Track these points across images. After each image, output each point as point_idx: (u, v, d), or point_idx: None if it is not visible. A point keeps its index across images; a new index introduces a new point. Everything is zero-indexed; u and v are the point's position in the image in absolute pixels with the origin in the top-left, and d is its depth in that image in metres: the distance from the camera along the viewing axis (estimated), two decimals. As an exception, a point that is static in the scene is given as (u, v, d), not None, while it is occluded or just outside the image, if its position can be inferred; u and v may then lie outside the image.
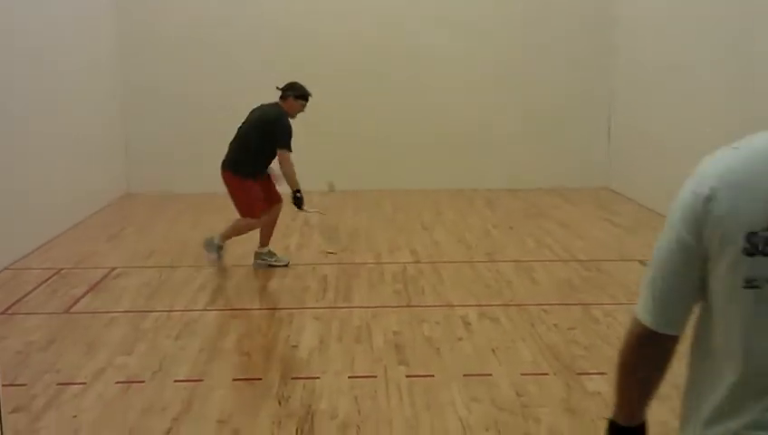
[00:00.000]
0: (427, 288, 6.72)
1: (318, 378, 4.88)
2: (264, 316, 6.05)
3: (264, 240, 7.37)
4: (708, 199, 1.58)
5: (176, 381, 4.87)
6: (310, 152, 10.96)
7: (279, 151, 7.07)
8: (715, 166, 1.61)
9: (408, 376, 4.90)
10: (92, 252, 7.97)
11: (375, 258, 7.72)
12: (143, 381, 4.87)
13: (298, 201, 7.13)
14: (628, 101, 10.73)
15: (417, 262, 7.52)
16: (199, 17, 10.85)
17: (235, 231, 7.31)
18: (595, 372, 4.93)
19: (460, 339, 5.55)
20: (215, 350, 5.36)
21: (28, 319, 6.01)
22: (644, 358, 1.80)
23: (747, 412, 1.60)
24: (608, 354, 5.19)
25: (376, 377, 4.89)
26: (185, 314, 6.05)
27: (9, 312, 6.14)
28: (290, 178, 7.08)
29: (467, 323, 5.81)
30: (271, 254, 7.38)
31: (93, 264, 7.53)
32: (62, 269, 7.29)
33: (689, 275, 1.67)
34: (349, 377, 4.90)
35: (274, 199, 7.36)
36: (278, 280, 6.97)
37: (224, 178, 7.32)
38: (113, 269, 7.30)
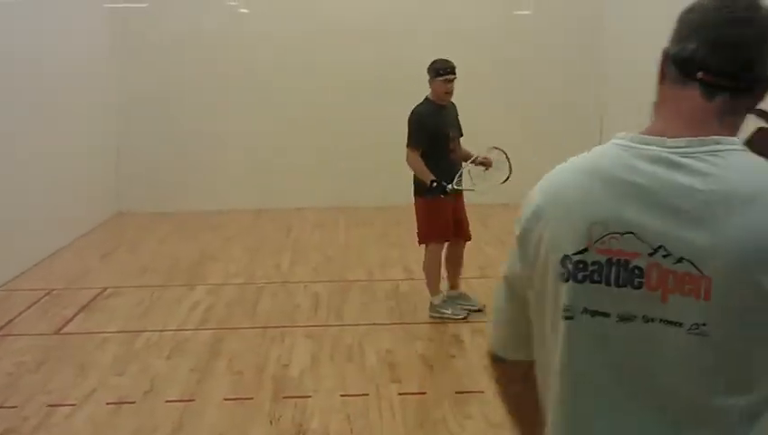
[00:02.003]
0: (420, 305, 6.69)
1: (310, 397, 4.86)
2: (256, 335, 6.02)
3: (451, 281, 6.53)
4: (528, 220, 1.50)
5: (167, 401, 4.85)
6: (303, 169, 11.01)
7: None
8: (541, 183, 1.52)
9: (400, 394, 4.88)
10: (84, 272, 7.95)
11: (367, 275, 7.71)
12: (134, 402, 4.85)
13: (437, 190, 6.11)
14: (619, 115, 10.77)
15: (410, 279, 7.50)
16: (192, 37, 10.86)
17: (426, 275, 6.44)
18: (588, 387, 4.91)
19: (453, 356, 5.54)
20: (206, 369, 5.33)
21: (19, 340, 5.98)
22: (503, 378, 1.72)
23: None
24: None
25: (368, 395, 4.88)
26: (177, 334, 6.02)
27: (0, 333, 6.11)
28: (417, 174, 6.26)
29: (460, 341, 5.80)
30: (453, 298, 6.43)
31: (85, 284, 7.51)
32: (53, 290, 7.26)
33: (520, 306, 1.56)
34: (341, 395, 4.88)
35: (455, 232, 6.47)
36: (269, 299, 6.95)
37: (462, 203, 6.62)
38: (105, 289, 7.27)
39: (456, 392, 4.91)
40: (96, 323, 6.39)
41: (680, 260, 1.33)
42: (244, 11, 11.04)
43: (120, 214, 10.92)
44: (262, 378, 5.18)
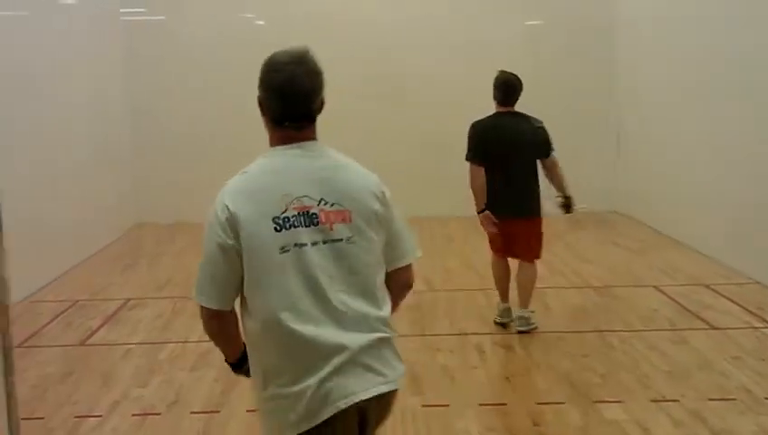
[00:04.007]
0: (442, 317, 6.72)
1: (333, 408, 4.87)
2: (279, 346, 6.03)
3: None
4: (232, 212, 2.37)
5: (192, 412, 4.88)
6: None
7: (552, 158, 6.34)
8: (231, 187, 2.46)
9: (423, 405, 4.89)
10: (107, 283, 8.01)
11: (388, 287, 7.71)
12: (159, 414, 4.88)
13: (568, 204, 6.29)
14: (636, 124, 10.76)
15: (432, 290, 7.52)
16: (209, 47, 10.95)
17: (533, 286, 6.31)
18: (612, 399, 4.91)
19: (475, 367, 5.55)
20: (230, 380, 5.32)
21: (45, 352, 6.03)
22: (218, 328, 2.59)
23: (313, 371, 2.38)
24: (625, 382, 5.18)
25: (391, 407, 4.88)
26: (199, 345, 6.03)
27: (26, 344, 6.16)
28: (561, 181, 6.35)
29: (482, 352, 5.81)
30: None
31: (108, 295, 7.57)
32: (77, 301, 7.33)
33: (234, 266, 2.39)
34: (364, 407, 4.89)
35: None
36: (292, 310, 6.96)
37: (524, 227, 6.17)
38: (128, 300, 7.33)
39: (479, 404, 4.92)
40: (120, 335, 6.44)
41: (333, 204, 2.44)
42: (261, 23, 11.13)
43: (140, 225, 11.00)
44: (285, 389, 5.19)
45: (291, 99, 2.48)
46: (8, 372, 3.29)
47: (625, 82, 11.03)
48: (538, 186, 6.19)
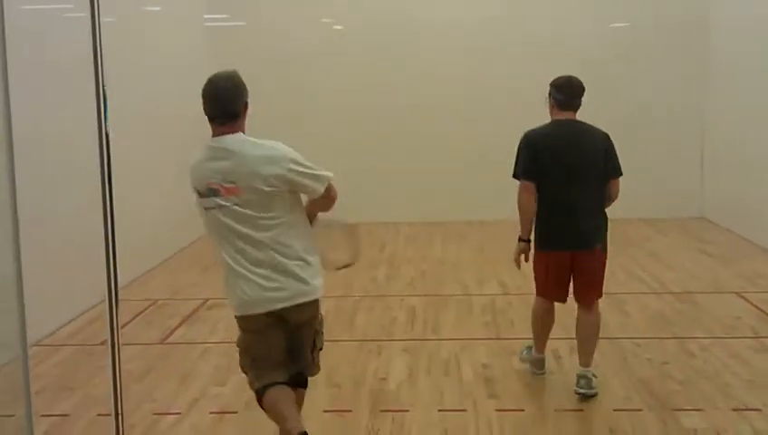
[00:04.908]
0: (517, 320, 6.67)
1: (407, 411, 4.89)
2: (353, 348, 6.08)
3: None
4: (192, 178, 3.80)
5: (268, 412, 4.92)
6: (396, 184, 11.08)
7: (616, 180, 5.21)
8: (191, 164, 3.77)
9: (498, 410, 4.86)
10: (187, 284, 8.18)
11: (463, 290, 7.70)
12: (236, 412, 4.95)
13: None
14: (722, 126, 10.48)
15: (506, 294, 7.46)
16: (286, 52, 11.07)
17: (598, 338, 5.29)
18: (691, 408, 4.80)
19: (551, 373, 5.48)
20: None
21: (125, 349, 6.09)
22: None
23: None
24: (705, 390, 5.06)
25: (466, 411, 4.87)
26: (276, 346, 6.11)
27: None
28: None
29: (558, 357, 5.74)
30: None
31: (188, 295, 7.73)
32: (157, 300, 7.50)
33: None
34: (438, 410, 4.89)
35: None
36: (366, 312, 7.01)
37: (586, 262, 5.16)
38: (207, 300, 7.46)
39: (555, 410, 4.86)
40: (199, 334, 6.57)
41: (231, 181, 3.59)
42: (339, 27, 11.23)
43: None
44: (359, 391, 5.23)
45: (212, 103, 3.65)
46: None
47: (715, 78, 10.72)
48: (605, 213, 5.17)
